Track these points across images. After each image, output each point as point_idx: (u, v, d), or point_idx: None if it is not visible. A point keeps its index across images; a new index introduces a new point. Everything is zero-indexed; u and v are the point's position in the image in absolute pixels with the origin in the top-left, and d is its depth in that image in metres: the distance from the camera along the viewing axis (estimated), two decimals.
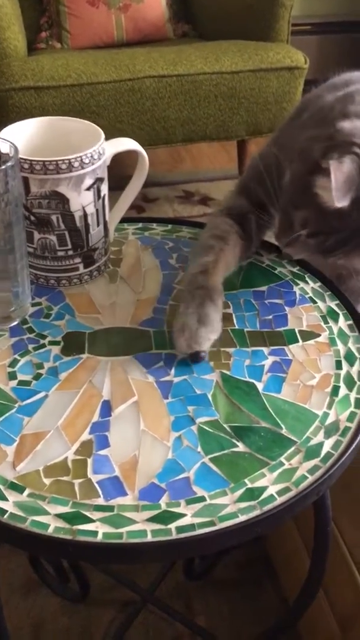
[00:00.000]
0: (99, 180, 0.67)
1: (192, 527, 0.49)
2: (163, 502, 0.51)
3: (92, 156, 0.65)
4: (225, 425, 0.58)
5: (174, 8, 2.17)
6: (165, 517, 0.50)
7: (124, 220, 0.83)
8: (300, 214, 0.67)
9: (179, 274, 0.75)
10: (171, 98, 1.78)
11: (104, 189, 0.69)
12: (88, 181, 0.66)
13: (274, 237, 0.73)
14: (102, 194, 0.69)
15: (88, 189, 0.66)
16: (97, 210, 0.69)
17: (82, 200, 0.66)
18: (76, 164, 0.64)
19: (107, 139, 0.69)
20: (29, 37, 2.02)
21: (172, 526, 0.49)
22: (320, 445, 0.56)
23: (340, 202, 0.61)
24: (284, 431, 0.57)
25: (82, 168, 0.64)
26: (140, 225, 0.84)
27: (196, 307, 0.64)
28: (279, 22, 1.88)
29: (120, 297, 0.72)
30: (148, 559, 0.50)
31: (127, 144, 0.70)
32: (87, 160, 0.64)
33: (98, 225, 0.70)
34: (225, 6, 2.05)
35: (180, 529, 0.49)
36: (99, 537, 0.49)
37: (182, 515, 0.50)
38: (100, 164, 0.66)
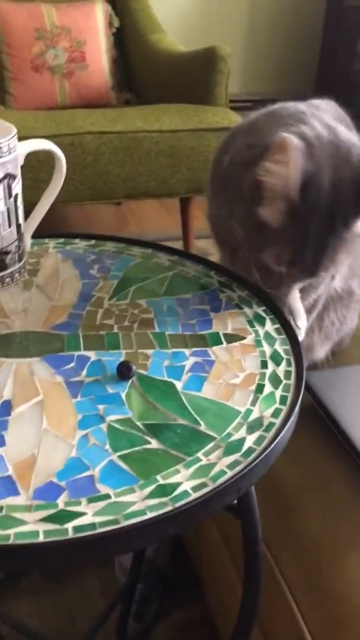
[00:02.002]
0: (10, 176, 0.64)
1: (92, 526, 0.43)
2: (61, 501, 0.45)
3: (0, 148, 0.62)
4: (138, 423, 0.52)
5: (117, 77, 2.24)
6: (62, 517, 0.43)
7: (45, 235, 0.80)
8: (268, 254, 0.66)
9: (100, 283, 0.71)
10: (112, 154, 1.80)
11: (17, 188, 0.66)
12: None
13: (261, 286, 0.71)
14: (13, 193, 0.65)
15: None
16: (7, 209, 0.65)
17: None
18: None
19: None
20: None
21: (69, 526, 0.43)
22: (241, 440, 0.51)
23: (296, 174, 0.60)
24: (202, 427, 0.52)
25: None
26: (62, 240, 0.80)
27: None
28: (217, 87, 1.95)
29: (33, 303, 0.67)
30: (41, 563, 0.42)
31: (41, 143, 0.68)
32: None
33: (10, 226, 0.66)
34: (166, 74, 2.12)
35: (78, 529, 0.43)
36: None
37: (81, 514, 0.44)
38: (10, 159, 0.63)
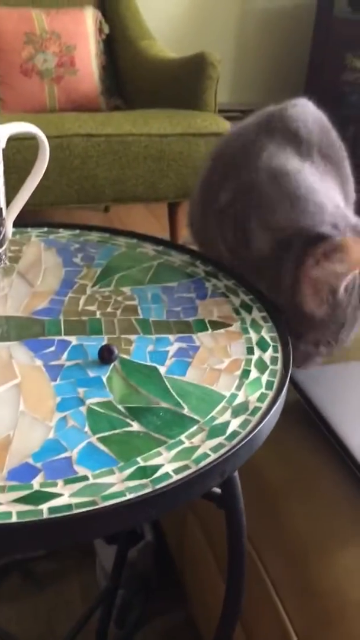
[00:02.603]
0: None
1: (68, 507, 0.41)
2: (36, 482, 0.43)
3: None
4: (119, 406, 0.50)
5: (106, 83, 2.24)
6: (37, 497, 0.41)
7: (28, 224, 0.78)
8: (309, 341, 0.68)
9: (83, 270, 0.69)
10: (100, 157, 1.79)
11: None
12: None
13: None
14: None
15: None
16: None
17: None
18: None
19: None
20: None
21: (44, 507, 0.41)
22: (226, 424, 0.49)
23: None
24: (185, 411, 0.50)
25: None
26: (45, 229, 0.78)
27: None
28: (206, 93, 1.95)
29: (14, 289, 0.65)
30: (15, 546, 0.40)
31: (24, 127, 0.66)
32: None
33: None
34: (155, 80, 2.12)
35: (53, 510, 0.41)
36: None
37: (57, 495, 0.42)
38: None
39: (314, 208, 0.64)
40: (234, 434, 0.48)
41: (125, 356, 0.56)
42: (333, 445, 0.77)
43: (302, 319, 0.65)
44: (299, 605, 0.67)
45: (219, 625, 0.63)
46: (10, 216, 0.69)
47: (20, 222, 0.74)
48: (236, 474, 0.54)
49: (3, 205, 0.66)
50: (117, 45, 2.29)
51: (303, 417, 0.81)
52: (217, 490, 0.54)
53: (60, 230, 0.78)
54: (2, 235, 0.67)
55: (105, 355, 0.55)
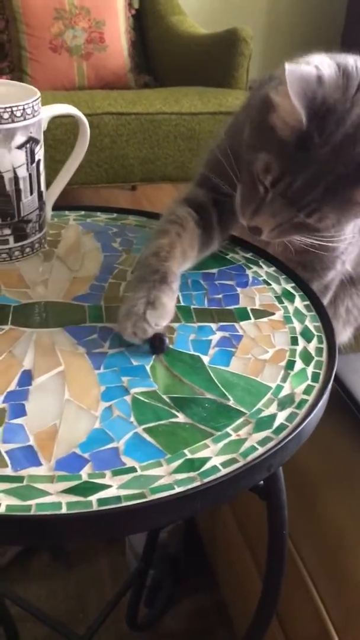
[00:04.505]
0: (33, 140, 0.61)
1: (117, 499, 0.41)
2: (84, 472, 0.43)
3: (24, 110, 0.59)
4: (164, 396, 0.50)
5: (135, 60, 2.21)
6: (86, 489, 0.41)
7: (65, 207, 0.77)
8: (261, 158, 0.59)
9: (122, 255, 0.69)
10: (130, 136, 1.77)
11: (40, 153, 0.63)
12: (20, 138, 0.60)
13: (239, 215, 0.64)
14: (36, 158, 0.63)
15: (20, 147, 0.60)
16: (29, 175, 0.62)
17: (12, 160, 0.60)
18: (6, 116, 0.58)
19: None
20: None
21: (93, 498, 0.41)
22: (272, 417, 0.48)
23: (297, 100, 0.55)
24: (231, 402, 0.49)
25: (13, 122, 0.59)
26: (82, 212, 0.77)
27: (147, 291, 0.56)
28: (238, 70, 1.91)
29: (54, 274, 0.65)
30: (64, 536, 0.40)
31: (65, 108, 0.66)
32: (18, 114, 0.59)
33: (31, 193, 0.63)
34: (186, 57, 2.09)
35: (103, 502, 0.40)
36: (1, 510, 0.39)
37: (106, 487, 0.41)
38: (33, 122, 0.61)
39: None
40: (281, 427, 0.47)
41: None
42: None
43: (266, 132, 0.60)
44: (336, 596, 0.67)
45: (254, 617, 0.63)
46: (50, 199, 0.69)
47: (55, 205, 0.73)
48: (280, 467, 0.53)
49: (44, 189, 0.66)
50: (147, 20, 2.25)
51: (339, 406, 0.81)
52: (260, 482, 0.54)
53: (98, 213, 0.77)
54: (42, 219, 0.67)
55: (157, 344, 0.54)
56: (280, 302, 0.63)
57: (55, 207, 0.72)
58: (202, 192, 0.72)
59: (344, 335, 0.88)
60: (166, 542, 1.08)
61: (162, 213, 0.70)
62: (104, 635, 0.97)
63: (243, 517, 0.88)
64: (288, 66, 0.55)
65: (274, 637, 0.73)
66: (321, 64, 0.60)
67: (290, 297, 0.64)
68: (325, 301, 0.78)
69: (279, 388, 0.51)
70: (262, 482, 0.54)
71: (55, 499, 0.40)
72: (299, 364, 0.54)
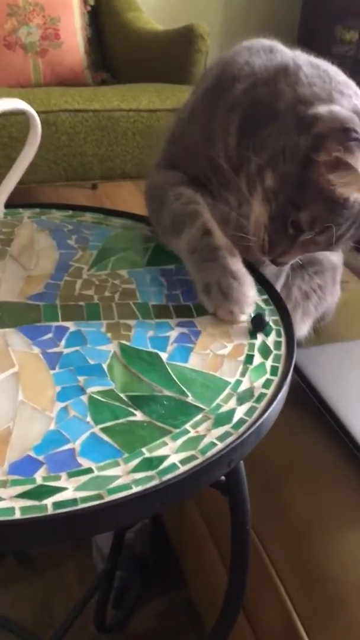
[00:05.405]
0: None
1: (73, 502, 0.40)
2: (39, 475, 0.41)
3: None
4: (121, 395, 0.49)
5: (92, 56, 2.19)
6: (40, 492, 0.40)
7: (19, 205, 0.76)
8: (307, 215, 0.60)
9: (78, 253, 0.67)
10: (87, 134, 1.75)
11: None
12: None
13: (262, 251, 0.64)
14: None
15: None
16: None
17: None
18: None
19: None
20: None
21: (48, 502, 0.39)
22: (231, 412, 0.48)
23: None
24: (190, 399, 0.49)
25: None
26: (37, 210, 0.76)
27: (223, 267, 0.58)
28: (195, 66, 1.91)
29: (7, 273, 0.63)
30: (19, 542, 0.39)
31: (13, 103, 0.63)
32: None
33: None
34: (143, 53, 2.07)
35: (58, 505, 0.39)
36: None
37: (61, 489, 0.40)
38: None
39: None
40: (241, 421, 0.47)
41: (125, 342, 0.54)
42: (332, 426, 0.76)
43: (307, 186, 0.60)
44: (301, 588, 0.67)
45: (221, 612, 0.63)
46: (2, 197, 0.67)
47: (10, 203, 0.71)
48: (241, 461, 0.53)
49: None
50: (103, 17, 2.23)
51: (301, 399, 0.81)
52: (222, 477, 0.53)
53: (53, 210, 0.76)
54: None
55: (261, 323, 0.56)
56: None
57: (9, 205, 0.70)
58: (178, 173, 0.72)
59: (303, 329, 0.88)
60: (133, 542, 1.07)
61: (154, 201, 0.70)
62: (71, 639, 0.95)
63: (209, 513, 0.87)
64: (355, 161, 0.56)
65: (241, 632, 0.72)
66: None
67: None
68: (280, 284, 0.79)
69: (238, 383, 0.51)
70: (223, 477, 0.53)
71: (8, 504, 0.39)
72: (257, 358, 0.54)
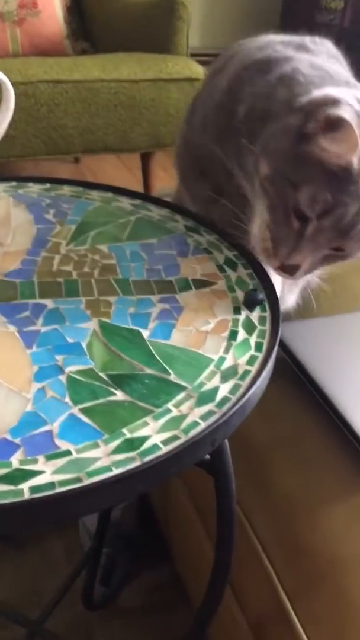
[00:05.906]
0: None
1: (51, 485, 0.38)
2: (15, 459, 0.40)
3: None
4: (101, 374, 0.47)
5: (72, 25, 2.13)
6: (16, 476, 0.39)
7: None
8: (305, 193, 0.56)
9: (56, 228, 0.65)
10: (68, 105, 1.70)
11: None
12: None
13: (267, 257, 0.60)
14: None
15: None
16: None
17: None
18: None
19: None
20: None
21: (25, 486, 0.38)
22: (215, 390, 0.47)
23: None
24: (172, 377, 0.47)
25: None
26: (14, 183, 0.73)
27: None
28: (178, 35, 1.86)
29: None
30: None
31: None
32: None
33: None
34: (124, 22, 2.02)
35: (35, 489, 0.38)
36: None
37: (39, 473, 0.39)
38: None
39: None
40: (224, 400, 0.46)
41: (105, 319, 0.53)
42: (319, 402, 0.75)
43: (305, 162, 0.57)
44: (288, 564, 0.67)
45: (208, 588, 0.62)
46: None
47: None
48: (225, 440, 0.51)
49: None
50: None
51: (287, 374, 0.80)
52: (206, 456, 0.52)
53: (30, 184, 0.73)
54: None
55: (254, 300, 0.55)
56: (222, 271, 0.61)
57: None
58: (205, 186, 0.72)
59: (292, 298, 0.87)
60: (120, 520, 1.07)
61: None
62: (59, 617, 0.95)
63: (195, 489, 0.87)
64: (345, 114, 0.53)
65: (228, 607, 0.72)
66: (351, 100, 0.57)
67: (233, 266, 0.62)
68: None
69: (222, 360, 0.50)
70: (208, 456, 0.52)
71: None
72: (241, 334, 0.53)
